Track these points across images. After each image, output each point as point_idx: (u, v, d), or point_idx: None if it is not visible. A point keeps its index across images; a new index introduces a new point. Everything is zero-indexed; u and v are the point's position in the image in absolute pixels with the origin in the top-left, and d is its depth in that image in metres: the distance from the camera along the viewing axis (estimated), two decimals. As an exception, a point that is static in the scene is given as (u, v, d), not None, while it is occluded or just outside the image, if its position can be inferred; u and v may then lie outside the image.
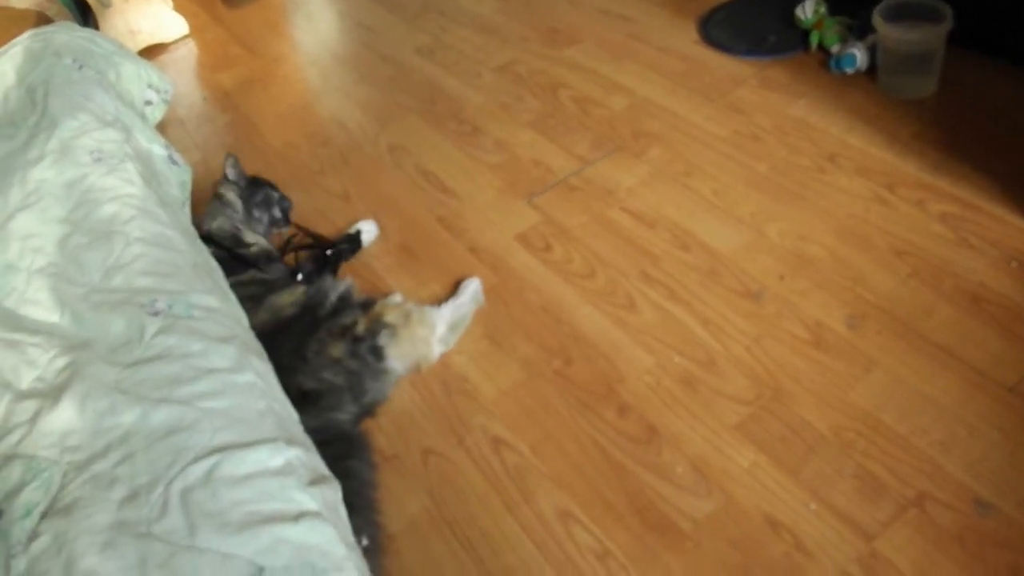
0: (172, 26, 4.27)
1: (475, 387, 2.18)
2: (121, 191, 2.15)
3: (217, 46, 4.19)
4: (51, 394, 1.56)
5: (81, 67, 2.76)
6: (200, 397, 1.54)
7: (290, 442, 1.51)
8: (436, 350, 2.23)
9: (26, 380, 1.62)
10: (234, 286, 2.20)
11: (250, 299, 2.22)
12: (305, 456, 1.51)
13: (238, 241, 2.55)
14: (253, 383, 1.64)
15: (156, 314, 1.75)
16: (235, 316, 1.93)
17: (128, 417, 1.49)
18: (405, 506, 1.95)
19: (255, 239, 2.60)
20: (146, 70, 3.12)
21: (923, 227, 2.31)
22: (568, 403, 2.09)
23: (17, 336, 1.73)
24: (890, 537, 1.69)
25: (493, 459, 2.01)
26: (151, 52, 4.16)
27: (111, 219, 2.05)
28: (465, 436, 2.07)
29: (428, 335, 2.21)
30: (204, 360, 1.64)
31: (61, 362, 1.64)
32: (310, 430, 1.74)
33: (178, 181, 2.56)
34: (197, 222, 2.50)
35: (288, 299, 2.26)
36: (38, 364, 1.65)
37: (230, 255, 2.44)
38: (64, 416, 1.50)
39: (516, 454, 2.00)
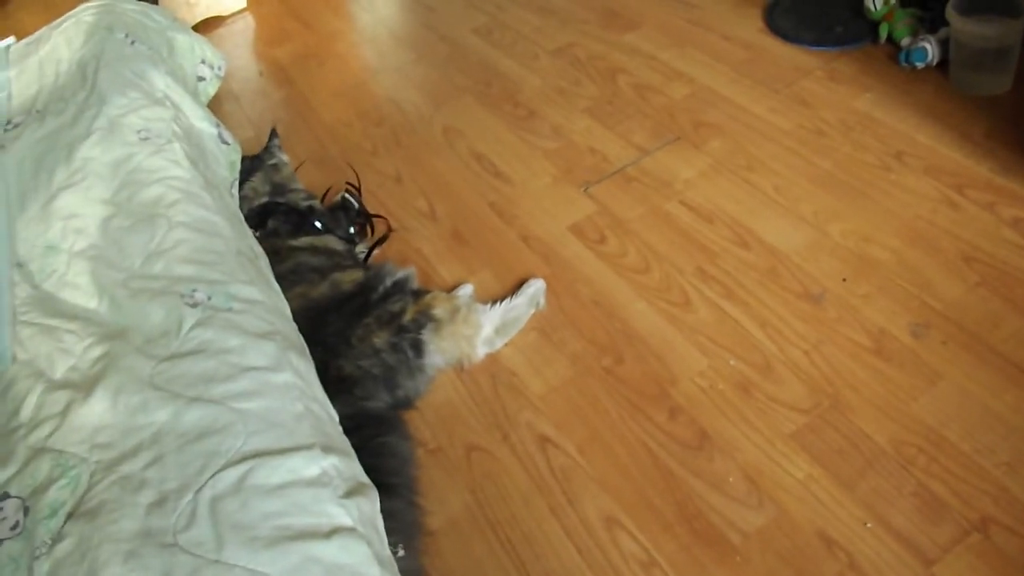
0: (230, -2, 4.24)
1: (523, 382, 2.13)
2: (167, 173, 2.12)
3: (274, 20, 4.16)
4: (84, 386, 1.53)
5: (133, 42, 2.74)
6: (235, 397, 1.50)
7: (327, 449, 1.47)
8: (480, 351, 2.18)
9: (60, 369, 1.59)
10: (306, 250, 2.26)
11: (317, 271, 2.24)
12: (342, 464, 1.47)
13: (311, 200, 2.61)
14: (291, 383, 1.60)
15: (195, 305, 1.72)
16: (277, 308, 1.89)
17: (160, 415, 1.46)
18: (447, 503, 1.91)
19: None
20: (200, 45, 3.11)
21: (993, 232, 2.22)
22: (617, 403, 2.03)
23: (54, 322, 1.70)
24: (950, 563, 1.62)
25: (539, 458, 1.96)
26: (208, 25, 4.14)
27: (155, 202, 2.02)
28: (510, 432, 2.03)
29: (472, 335, 2.16)
30: (241, 357, 1.60)
31: (96, 352, 1.61)
32: (343, 417, 1.73)
33: (227, 161, 2.53)
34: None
35: (349, 277, 2.24)
36: (73, 352, 1.62)
37: (315, 215, 2.50)
38: (96, 411, 1.47)
39: (562, 454, 1.96)
